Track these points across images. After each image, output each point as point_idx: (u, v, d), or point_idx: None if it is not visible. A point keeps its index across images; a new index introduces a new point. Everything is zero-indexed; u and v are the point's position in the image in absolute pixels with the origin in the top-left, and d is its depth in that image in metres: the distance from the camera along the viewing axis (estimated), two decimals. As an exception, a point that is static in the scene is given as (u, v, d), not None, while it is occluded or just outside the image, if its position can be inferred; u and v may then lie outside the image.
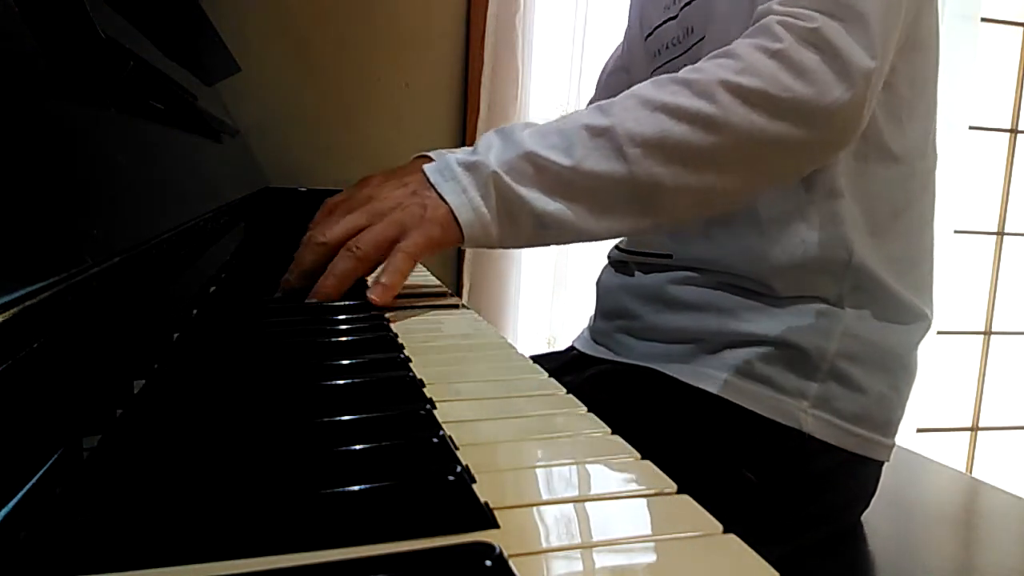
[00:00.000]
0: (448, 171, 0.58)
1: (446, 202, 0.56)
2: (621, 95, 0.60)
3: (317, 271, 0.56)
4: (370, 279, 0.57)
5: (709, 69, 0.58)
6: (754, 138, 0.57)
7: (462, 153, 0.59)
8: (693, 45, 0.78)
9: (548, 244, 0.61)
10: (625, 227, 0.61)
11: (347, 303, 0.55)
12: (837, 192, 0.67)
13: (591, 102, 1.04)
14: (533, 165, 0.57)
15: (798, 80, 0.57)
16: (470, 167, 0.57)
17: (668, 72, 0.81)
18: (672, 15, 0.81)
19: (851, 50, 0.57)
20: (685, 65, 0.70)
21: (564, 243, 0.61)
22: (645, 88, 0.59)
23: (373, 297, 0.53)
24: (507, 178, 0.56)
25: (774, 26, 0.58)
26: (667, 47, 0.82)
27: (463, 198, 0.56)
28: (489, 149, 0.58)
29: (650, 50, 0.86)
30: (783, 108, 0.57)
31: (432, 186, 0.58)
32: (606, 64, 1.04)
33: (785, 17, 0.59)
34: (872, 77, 0.58)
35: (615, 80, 0.98)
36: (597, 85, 1.05)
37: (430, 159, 0.85)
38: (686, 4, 0.78)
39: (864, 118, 0.60)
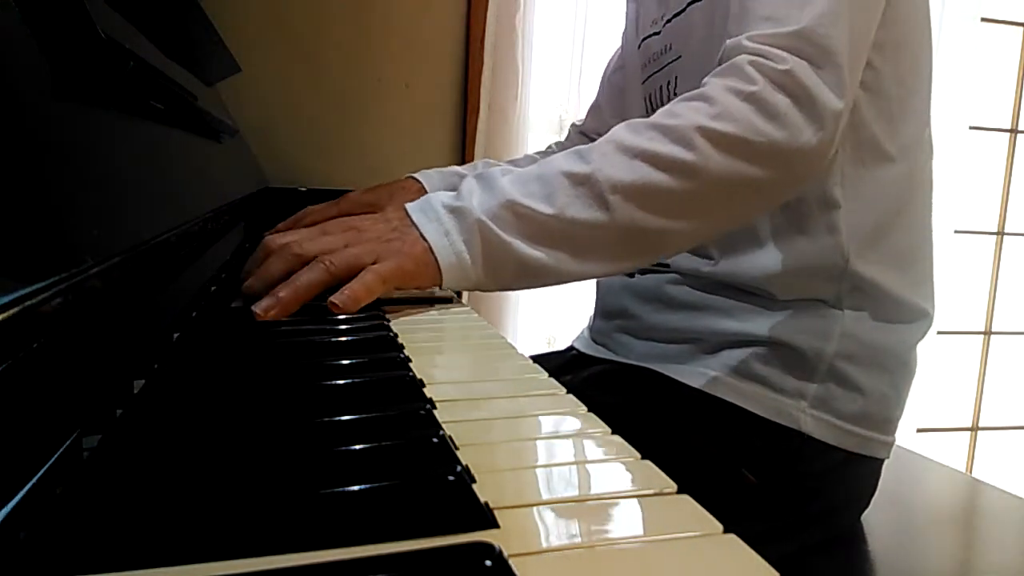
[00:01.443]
0: (432, 212, 0.58)
1: (427, 241, 0.56)
2: (599, 140, 0.60)
3: (282, 279, 0.54)
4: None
5: (685, 114, 0.59)
6: (730, 182, 0.58)
7: (446, 196, 0.59)
8: (668, 63, 0.79)
9: (529, 287, 0.61)
10: (605, 270, 0.61)
11: None
12: (833, 203, 0.68)
13: (596, 100, 1.04)
14: (514, 214, 0.57)
15: (770, 124, 0.57)
16: (454, 211, 0.57)
17: (652, 85, 0.83)
18: (656, 30, 0.82)
19: (820, 92, 0.58)
20: (662, 83, 0.71)
21: (546, 286, 0.61)
22: (622, 133, 0.60)
23: (333, 302, 0.52)
24: (492, 224, 0.56)
25: (746, 67, 0.59)
26: (651, 60, 0.83)
27: (445, 240, 0.56)
28: (471, 195, 0.58)
29: (640, 60, 0.87)
30: (758, 152, 0.58)
31: (414, 225, 0.58)
32: (609, 62, 1.04)
33: (756, 57, 0.59)
34: (840, 117, 0.59)
35: (618, 78, 0.99)
36: (601, 83, 1.05)
37: (417, 181, 0.86)
38: (668, 21, 0.79)
39: (830, 156, 0.61)
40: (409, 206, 0.59)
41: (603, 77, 1.04)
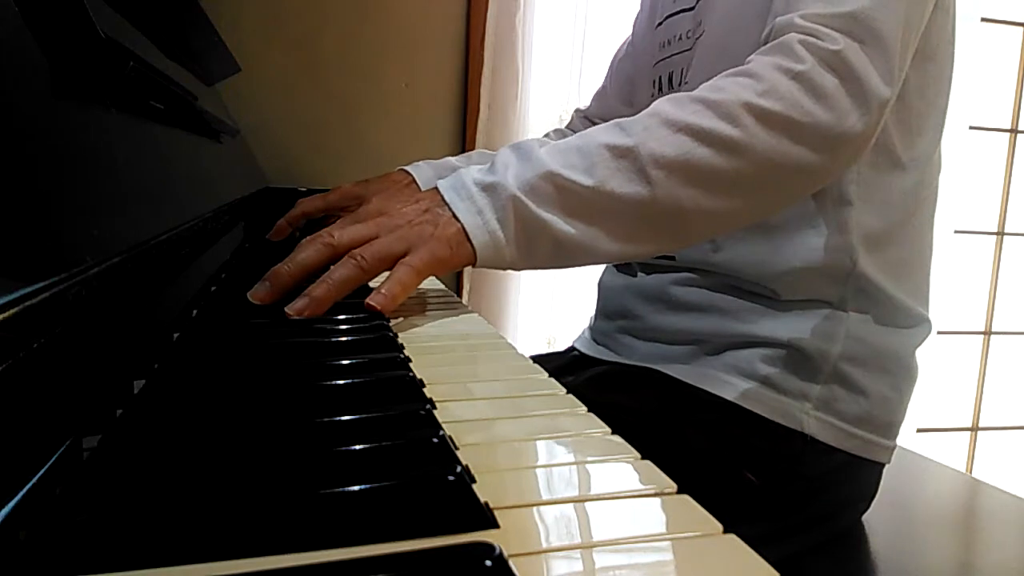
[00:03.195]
0: (464, 190, 0.56)
1: (459, 221, 0.55)
2: (641, 113, 0.59)
3: (315, 272, 0.54)
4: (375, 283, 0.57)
5: (730, 88, 0.57)
6: (774, 162, 0.57)
7: (478, 172, 0.58)
8: (697, 39, 0.76)
9: (561, 267, 0.60)
10: (640, 250, 0.60)
11: (348, 301, 0.54)
12: (847, 201, 0.67)
13: (602, 85, 1.03)
14: (554, 185, 0.55)
15: (818, 104, 0.56)
16: (487, 188, 0.56)
17: (671, 66, 0.81)
18: (688, 6, 0.79)
19: (870, 77, 0.57)
20: (688, 62, 0.69)
21: (577, 265, 0.60)
22: (665, 107, 0.58)
23: (371, 304, 0.51)
24: (528, 201, 0.55)
25: (795, 45, 0.57)
26: (678, 39, 0.80)
27: (478, 219, 0.55)
28: (507, 168, 0.57)
29: (657, 40, 0.84)
30: (803, 133, 0.56)
31: (446, 204, 0.56)
32: (618, 50, 1.02)
33: (807, 36, 0.58)
34: (886, 106, 0.58)
35: (626, 65, 0.97)
36: (609, 69, 1.03)
37: (409, 174, 0.85)
38: None
39: (870, 145, 0.60)
40: (440, 184, 0.58)
41: (612, 63, 1.02)
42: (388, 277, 0.53)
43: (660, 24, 0.84)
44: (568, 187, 0.55)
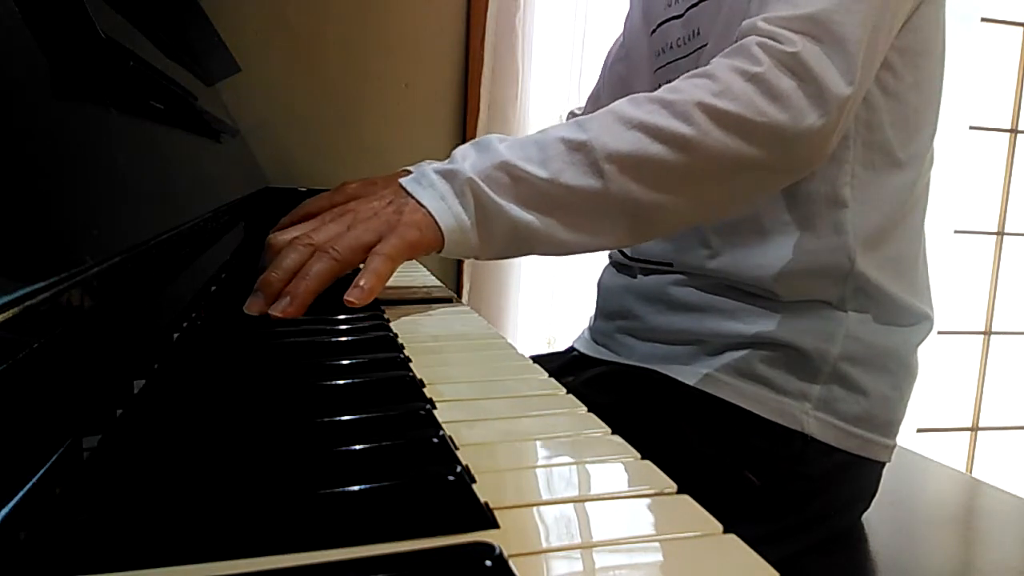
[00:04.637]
0: (425, 179, 0.58)
1: (424, 206, 0.57)
2: (600, 111, 0.61)
3: (296, 271, 0.54)
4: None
5: (687, 89, 0.59)
6: (727, 160, 0.58)
7: (438, 164, 0.60)
8: (696, 49, 0.77)
9: (524, 255, 0.61)
10: (600, 243, 0.61)
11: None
12: (841, 202, 0.68)
13: (595, 88, 1.04)
14: (509, 175, 0.57)
15: (773, 105, 0.57)
16: (446, 175, 0.58)
17: (671, 72, 0.81)
18: (677, 13, 0.80)
19: (828, 76, 0.57)
20: (687, 69, 0.70)
21: (540, 255, 0.61)
22: (623, 105, 0.60)
23: (350, 299, 0.52)
24: (484, 186, 0.57)
25: (753, 48, 0.58)
26: (671, 47, 0.81)
27: (442, 204, 0.57)
28: (465, 159, 0.59)
29: (654, 47, 0.85)
30: (757, 133, 0.57)
31: (409, 195, 0.58)
32: (609, 51, 1.02)
33: (766, 39, 0.59)
34: (847, 104, 0.58)
35: (621, 67, 0.97)
36: (601, 72, 1.03)
37: (410, 172, 0.85)
38: (692, 5, 0.77)
39: (834, 143, 0.60)
40: (402, 179, 0.60)
41: (604, 66, 1.03)
42: (363, 269, 0.54)
43: (654, 31, 0.85)
44: (524, 177, 0.57)
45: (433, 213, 0.56)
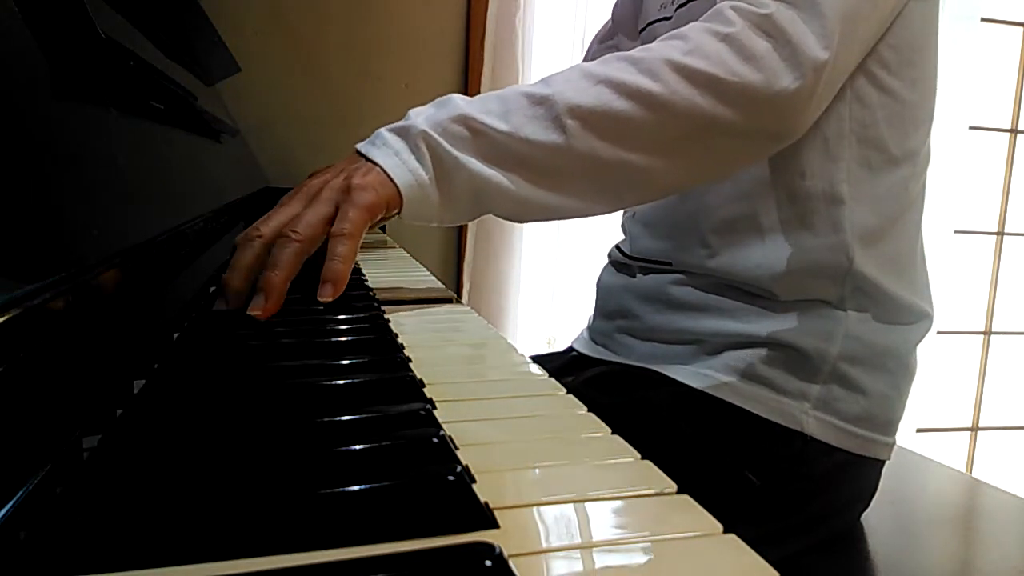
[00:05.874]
0: (379, 139, 0.56)
1: (378, 165, 0.54)
2: (567, 68, 0.59)
3: (257, 268, 0.52)
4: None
5: (657, 48, 0.57)
6: (696, 120, 0.56)
7: (393, 124, 0.57)
8: None
9: (488, 213, 0.59)
10: (570, 205, 0.59)
11: (349, 293, 0.54)
12: (839, 199, 0.68)
13: None
14: (468, 128, 0.55)
15: (746, 65, 0.56)
16: (400, 132, 0.56)
17: None
18: (667, 15, 0.80)
19: (803, 39, 0.56)
20: None
21: (506, 217, 0.58)
22: (591, 63, 0.58)
23: (323, 297, 0.50)
24: (440, 138, 0.54)
25: (727, 11, 0.58)
26: None
27: (396, 159, 0.54)
28: (419, 115, 0.56)
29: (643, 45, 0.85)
30: (729, 92, 0.56)
31: (362, 155, 0.56)
32: (597, 34, 1.02)
33: (739, 3, 0.58)
34: (824, 70, 0.57)
35: (604, 51, 0.96)
36: (587, 52, 1.03)
37: None
38: (681, 5, 0.77)
39: (812, 111, 0.59)
40: (357, 145, 0.57)
41: (591, 47, 1.02)
42: (326, 259, 0.52)
43: (643, 30, 0.85)
44: (482, 130, 0.55)
45: (388, 170, 0.54)
